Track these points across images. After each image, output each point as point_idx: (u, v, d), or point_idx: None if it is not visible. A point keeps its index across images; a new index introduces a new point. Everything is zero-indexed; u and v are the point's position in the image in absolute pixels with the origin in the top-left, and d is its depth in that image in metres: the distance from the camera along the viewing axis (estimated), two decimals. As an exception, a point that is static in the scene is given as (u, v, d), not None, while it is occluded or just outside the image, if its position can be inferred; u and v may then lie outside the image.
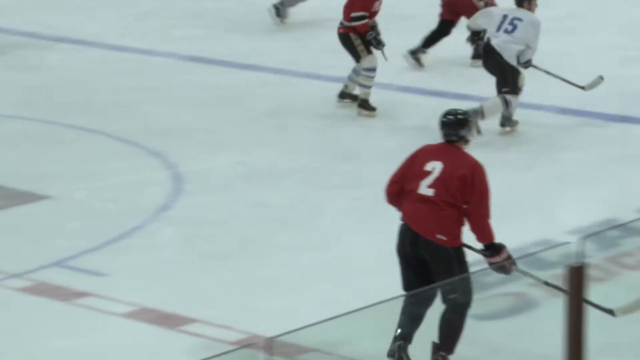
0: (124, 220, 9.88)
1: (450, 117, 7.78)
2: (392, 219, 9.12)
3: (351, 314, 4.45)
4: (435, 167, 7.54)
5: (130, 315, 8.37)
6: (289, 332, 4.31)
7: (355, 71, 12.55)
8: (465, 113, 8.03)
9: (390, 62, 12.55)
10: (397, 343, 7.41)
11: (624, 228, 8.84)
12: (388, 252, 9.03)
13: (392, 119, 12.28)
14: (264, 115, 12.42)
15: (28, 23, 15.96)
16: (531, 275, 7.84)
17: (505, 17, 12.30)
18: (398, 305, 5.58)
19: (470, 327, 7.53)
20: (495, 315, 8.24)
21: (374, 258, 9.00)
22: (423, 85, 13.03)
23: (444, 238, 7.44)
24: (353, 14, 12.37)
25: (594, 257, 8.21)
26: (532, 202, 9.92)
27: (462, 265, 7.57)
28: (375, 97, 12.52)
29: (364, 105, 12.25)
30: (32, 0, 17.32)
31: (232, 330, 7.91)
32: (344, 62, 13.59)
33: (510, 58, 11.94)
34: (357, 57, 12.46)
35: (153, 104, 12.85)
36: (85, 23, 16.11)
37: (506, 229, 9.14)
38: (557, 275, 5.71)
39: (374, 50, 12.38)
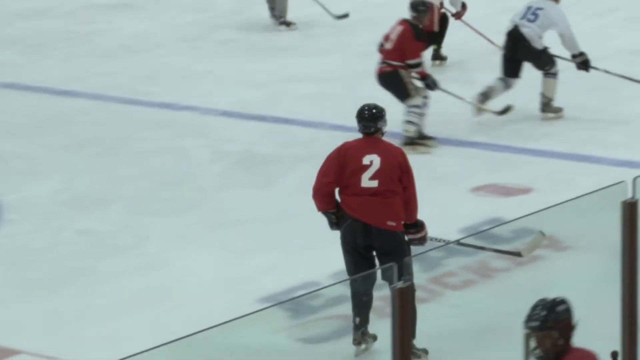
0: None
1: (368, 111, 8.15)
2: (217, 245, 9.25)
3: (182, 340, 4.47)
4: (372, 160, 7.86)
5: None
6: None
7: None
8: (378, 107, 8.27)
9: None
10: (360, 330, 7.79)
11: (446, 249, 9.00)
12: (214, 277, 9.17)
13: (215, 143, 12.21)
14: (85, 142, 12.25)
15: None
16: (439, 240, 8.43)
17: (529, 8, 12.92)
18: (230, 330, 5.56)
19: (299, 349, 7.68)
20: (321, 339, 8.32)
21: (201, 283, 9.06)
22: (247, 110, 13.06)
23: (394, 224, 7.79)
24: (412, 61, 12.02)
25: (419, 278, 8.35)
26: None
27: (408, 246, 7.97)
28: (200, 122, 12.64)
29: (416, 142, 12.06)
30: None
31: (60, 361, 7.80)
32: (164, 88, 13.65)
33: (539, 45, 12.63)
34: (405, 95, 12.11)
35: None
36: None
37: (335, 251, 9.32)
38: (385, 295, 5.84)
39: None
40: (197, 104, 13.25)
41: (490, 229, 9.39)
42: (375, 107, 8.23)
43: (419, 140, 12.02)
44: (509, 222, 9.19)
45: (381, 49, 12.15)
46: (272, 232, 9.94)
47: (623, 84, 12.80)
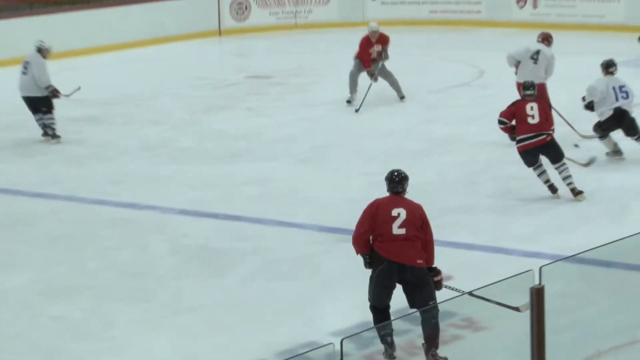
0: None
1: (397, 175, 8.97)
2: (174, 329, 9.20)
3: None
4: (400, 213, 8.69)
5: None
6: None
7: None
8: (403, 172, 9.06)
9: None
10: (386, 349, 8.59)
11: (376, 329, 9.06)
12: (172, 358, 9.10)
13: (173, 238, 12.15)
14: (58, 238, 12.15)
15: None
16: (453, 289, 8.85)
17: (614, 88, 14.12)
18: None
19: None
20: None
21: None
22: (201, 208, 13.07)
23: (422, 262, 8.62)
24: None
25: (354, 355, 8.35)
26: (298, 308, 10.03)
27: (432, 279, 8.76)
28: (160, 219, 12.67)
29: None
30: None
31: None
32: (128, 190, 13.65)
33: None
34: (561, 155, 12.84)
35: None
36: None
37: (280, 332, 9.31)
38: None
39: None
40: (157, 204, 13.21)
41: (418, 310, 9.42)
42: (402, 172, 9.01)
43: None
44: (436, 304, 9.27)
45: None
46: (223, 317, 9.86)
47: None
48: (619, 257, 7.17)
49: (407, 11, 25.71)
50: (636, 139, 14.33)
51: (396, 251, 8.64)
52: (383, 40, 18.69)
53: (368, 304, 9.12)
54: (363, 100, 18.11)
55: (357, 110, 18.07)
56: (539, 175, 13.01)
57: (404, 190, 8.96)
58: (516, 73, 15.64)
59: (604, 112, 14.16)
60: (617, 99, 14.12)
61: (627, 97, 14.18)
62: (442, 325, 8.91)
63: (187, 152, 15.78)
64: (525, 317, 4.74)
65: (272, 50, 24.19)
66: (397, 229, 8.68)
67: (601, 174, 13.57)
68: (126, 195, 13.63)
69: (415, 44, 20.04)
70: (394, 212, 8.72)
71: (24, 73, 16.49)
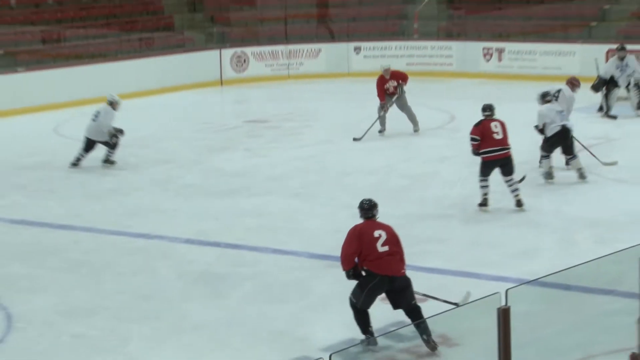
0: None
1: (367, 204, 9.52)
2: (181, 345, 9.17)
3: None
4: (380, 234, 9.21)
5: None
6: None
7: None
8: (373, 201, 9.59)
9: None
10: (368, 337, 9.21)
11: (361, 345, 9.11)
12: None
13: (179, 264, 12.14)
14: (78, 265, 12.09)
15: None
16: (424, 295, 9.57)
17: None
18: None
19: None
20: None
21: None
22: (205, 238, 13.11)
23: (405, 271, 9.24)
24: None
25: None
26: (291, 326, 10.01)
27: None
28: (168, 248, 12.69)
29: None
30: None
31: None
32: (140, 222, 13.64)
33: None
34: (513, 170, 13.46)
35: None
36: None
37: (276, 348, 9.29)
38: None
39: None
40: (165, 234, 13.19)
41: (400, 328, 9.46)
42: (372, 200, 9.56)
43: None
44: (410, 324, 9.29)
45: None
46: (224, 335, 9.85)
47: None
48: (575, 280, 7.19)
49: (392, 63, 25.79)
50: (570, 159, 14.92)
51: (385, 266, 9.11)
52: (400, 76, 19.22)
53: (354, 323, 9.21)
54: (367, 131, 18.44)
55: (356, 139, 18.42)
56: (483, 187, 13.64)
57: (374, 215, 9.44)
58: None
59: (553, 128, 14.67)
60: (561, 120, 14.69)
61: (567, 119, 14.90)
62: (419, 341, 8.92)
63: (191, 188, 15.75)
64: (493, 334, 4.76)
65: (267, 98, 24.17)
66: (381, 247, 9.14)
67: (560, 206, 13.64)
68: (138, 227, 13.61)
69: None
70: (376, 234, 9.18)
71: (93, 120, 16.91)
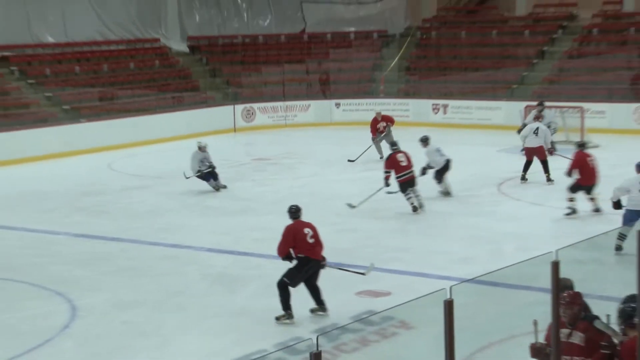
0: (41, 334, 9.54)
1: (295, 207, 9.96)
2: (204, 329, 9.06)
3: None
4: (308, 231, 9.75)
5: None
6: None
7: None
8: (298, 206, 10.03)
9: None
10: (289, 311, 9.56)
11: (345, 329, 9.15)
12: (203, 348, 9.03)
13: (202, 268, 12.14)
14: (125, 269, 12.07)
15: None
16: (339, 268, 10.22)
17: None
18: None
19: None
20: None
21: (197, 353, 8.98)
22: (221, 247, 13.09)
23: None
24: None
25: (326, 346, 8.34)
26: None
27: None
28: (194, 255, 12.62)
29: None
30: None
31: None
32: (172, 236, 13.59)
33: None
34: (416, 184, 14.50)
35: (59, 265, 12.38)
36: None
37: (276, 331, 9.20)
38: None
39: None
40: (192, 244, 13.15)
41: (370, 315, 9.46)
42: (297, 205, 9.99)
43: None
44: (379, 312, 9.29)
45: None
46: (236, 322, 9.84)
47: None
48: (502, 279, 7.21)
49: (361, 115, 25.87)
50: (440, 183, 15.71)
51: (315, 253, 9.71)
52: (388, 119, 20.41)
53: (332, 309, 9.22)
54: (360, 155, 19.09)
55: (350, 161, 19.15)
56: (409, 198, 14.46)
57: (300, 216, 9.90)
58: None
59: (439, 162, 15.51)
60: (443, 155, 15.53)
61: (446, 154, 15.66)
62: (385, 325, 8.90)
63: (212, 209, 15.72)
64: (441, 320, 4.75)
65: (270, 141, 24.13)
66: (309, 240, 9.69)
67: (493, 225, 13.68)
68: (171, 239, 13.56)
69: (367, 136, 20.07)
70: (305, 231, 9.73)
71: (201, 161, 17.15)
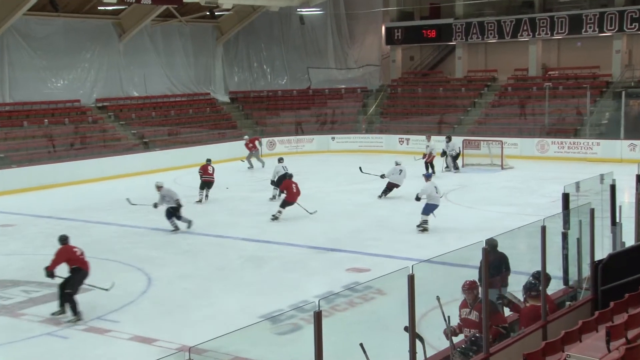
0: (128, 296, 9.45)
1: (63, 236, 8.84)
2: (240, 292, 8.83)
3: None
4: (77, 250, 8.64)
5: (132, 339, 7.87)
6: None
7: None
8: (65, 235, 8.86)
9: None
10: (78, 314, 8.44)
11: (338, 295, 8.98)
12: (238, 303, 8.76)
13: (238, 252, 11.95)
14: (187, 251, 11.93)
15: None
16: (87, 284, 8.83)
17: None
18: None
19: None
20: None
21: (236, 305, 8.78)
22: (250, 237, 12.92)
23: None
24: None
25: (325, 307, 8.24)
26: (297, 285, 9.85)
27: None
28: (232, 243, 12.44)
29: None
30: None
31: None
32: (217, 229, 13.39)
33: None
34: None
35: (140, 249, 12.23)
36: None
37: (289, 296, 9.00)
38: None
39: None
40: (231, 235, 13.02)
41: (355, 285, 9.35)
42: (65, 235, 8.85)
43: None
44: (362, 283, 9.18)
45: None
46: (262, 288, 9.75)
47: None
48: (448, 260, 7.13)
49: (350, 145, 25.92)
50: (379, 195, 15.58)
51: (85, 265, 8.69)
52: (255, 140, 21.54)
53: (329, 281, 9.03)
54: (368, 173, 17.32)
55: (361, 169, 17.61)
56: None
57: (68, 242, 8.76)
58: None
59: (396, 179, 15.30)
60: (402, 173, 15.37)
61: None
62: (366, 292, 8.75)
63: (245, 211, 15.49)
64: (405, 288, 4.66)
65: (286, 163, 24.14)
66: (80, 256, 8.70)
67: (438, 224, 13.54)
68: (216, 231, 13.40)
69: (349, 160, 19.94)
70: (75, 250, 8.69)
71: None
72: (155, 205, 13.57)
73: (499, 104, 26.71)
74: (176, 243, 12.65)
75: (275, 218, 14.11)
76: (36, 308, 8.98)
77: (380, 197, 15.87)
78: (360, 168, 17.43)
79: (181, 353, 3.80)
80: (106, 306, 9.02)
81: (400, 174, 15.80)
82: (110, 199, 17.52)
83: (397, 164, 16.02)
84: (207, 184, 16.84)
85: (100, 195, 18.12)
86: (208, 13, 27.35)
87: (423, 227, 12.74)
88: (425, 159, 19.73)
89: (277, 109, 29.05)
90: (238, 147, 25.43)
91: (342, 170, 20.24)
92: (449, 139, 20.93)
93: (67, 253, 8.72)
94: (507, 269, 7.09)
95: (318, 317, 4.04)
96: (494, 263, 6.97)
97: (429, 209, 12.79)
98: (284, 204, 14.24)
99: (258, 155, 21.46)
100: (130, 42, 25.87)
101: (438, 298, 5.62)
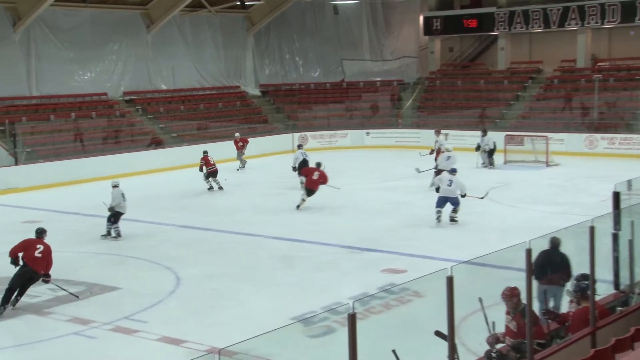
0: (155, 296, 9.58)
1: (40, 229, 9.30)
2: (267, 290, 8.84)
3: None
4: (39, 246, 9.01)
5: (160, 340, 7.95)
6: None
7: None
8: (41, 228, 9.31)
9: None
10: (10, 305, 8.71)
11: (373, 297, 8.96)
12: (268, 302, 8.74)
13: (269, 250, 12.02)
14: (214, 251, 12.01)
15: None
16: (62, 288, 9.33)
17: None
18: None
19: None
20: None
21: (264, 303, 8.81)
22: (280, 235, 13.00)
23: (43, 272, 9.03)
24: None
25: (359, 309, 8.19)
26: (330, 285, 9.82)
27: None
28: (263, 242, 12.50)
29: None
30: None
31: None
32: (246, 227, 13.46)
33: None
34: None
35: (166, 247, 12.36)
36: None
37: (322, 297, 9.00)
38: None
39: None
40: (261, 234, 13.05)
41: (391, 287, 9.30)
42: (42, 228, 9.30)
43: None
44: (398, 285, 9.12)
45: None
46: (293, 289, 9.77)
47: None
48: (488, 261, 7.03)
49: (385, 141, 25.86)
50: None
51: (33, 263, 8.94)
52: (245, 140, 21.58)
53: (363, 282, 8.94)
54: (424, 171, 17.56)
55: (419, 171, 17.81)
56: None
57: (42, 237, 9.16)
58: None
59: (448, 165, 15.20)
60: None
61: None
62: (402, 294, 8.70)
63: (275, 209, 15.49)
64: (444, 290, 4.63)
65: (319, 158, 24.16)
66: (36, 253, 8.98)
67: (479, 221, 13.39)
68: (246, 229, 13.47)
69: (384, 156, 19.86)
70: (37, 246, 9.03)
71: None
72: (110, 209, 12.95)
73: (544, 97, 26.25)
74: (205, 241, 12.75)
75: (299, 206, 14.65)
76: (62, 307, 9.15)
77: (431, 186, 15.67)
78: (417, 169, 17.42)
79: (211, 355, 3.83)
80: (134, 306, 9.14)
81: (448, 160, 16.00)
82: (137, 195, 17.73)
83: (447, 150, 16.51)
84: (212, 174, 17.23)
85: (127, 191, 18.32)
86: (238, 3, 27.55)
87: (437, 217, 13.21)
88: (432, 155, 19.40)
89: (310, 103, 29.08)
90: (269, 142, 25.64)
91: (376, 167, 20.18)
92: (484, 133, 20.66)
93: (26, 246, 8.98)
94: (569, 275, 6.91)
95: (352, 320, 3.99)
96: (557, 264, 6.86)
97: (439, 200, 13.31)
98: (307, 192, 14.75)
99: (241, 157, 21.54)
100: (159, 33, 26.14)
101: (480, 300, 5.52)
